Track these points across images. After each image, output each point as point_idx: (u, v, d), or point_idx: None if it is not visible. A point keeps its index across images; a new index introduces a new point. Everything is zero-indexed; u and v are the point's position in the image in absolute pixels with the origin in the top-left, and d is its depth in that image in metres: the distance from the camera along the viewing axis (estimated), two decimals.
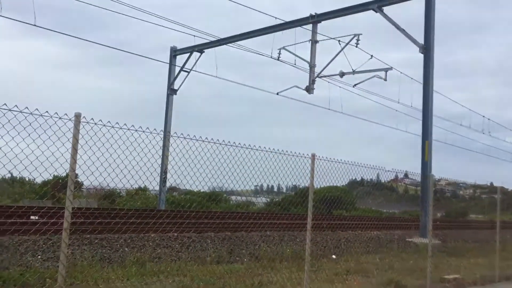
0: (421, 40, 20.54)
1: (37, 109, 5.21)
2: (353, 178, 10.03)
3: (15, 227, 11.35)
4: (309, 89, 22.88)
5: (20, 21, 20.04)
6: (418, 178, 21.42)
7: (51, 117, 5.30)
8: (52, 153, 5.26)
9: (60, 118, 5.36)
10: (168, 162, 7.12)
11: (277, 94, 25.61)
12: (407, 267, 12.36)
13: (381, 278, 10.74)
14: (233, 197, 33.30)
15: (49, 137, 5.26)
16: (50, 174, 5.48)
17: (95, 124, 5.68)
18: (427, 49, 20.31)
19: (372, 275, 11.17)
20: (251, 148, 7.64)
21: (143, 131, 6.22)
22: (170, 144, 7.12)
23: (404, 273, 11.37)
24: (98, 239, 11.92)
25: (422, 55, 20.52)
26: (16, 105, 5.06)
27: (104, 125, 5.76)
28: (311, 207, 7.84)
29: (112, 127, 5.84)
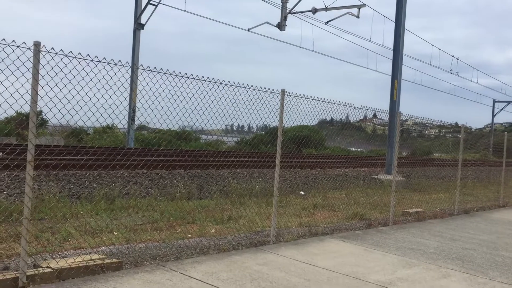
0: None
1: None
2: (323, 117, 10.06)
3: None
4: (280, 26, 22.48)
5: None
6: (386, 117, 21.75)
7: (8, 45, 5.02)
8: (12, 83, 5.03)
9: (18, 46, 5.08)
10: (137, 100, 6.91)
11: (248, 30, 25.10)
12: (371, 202, 12.78)
13: (346, 212, 11.10)
14: (204, 136, 33.25)
15: (7, 66, 5.01)
16: (11, 106, 5.25)
17: (56, 54, 5.42)
18: None
19: (338, 210, 11.52)
20: (220, 83, 7.50)
21: (108, 63, 5.96)
22: (137, 79, 6.92)
23: (369, 208, 11.76)
24: (65, 175, 11.81)
25: None
26: None
27: (66, 55, 5.50)
28: (280, 143, 7.88)
29: (75, 57, 5.58)
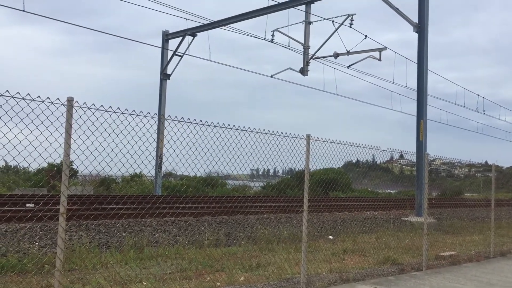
0: (415, 19, 20.43)
1: (28, 94, 5.15)
2: (349, 159, 10.03)
3: (11, 214, 11.34)
4: (303, 71, 22.76)
5: (8, 7, 19.71)
6: (413, 158, 21.49)
7: (43, 102, 5.24)
8: (46, 138, 5.21)
9: (52, 103, 5.30)
10: (163, 147, 7.07)
11: (271, 76, 25.52)
12: (403, 245, 12.47)
13: (377, 257, 10.84)
14: (230, 182, 33.37)
15: (42, 122, 5.21)
16: (45, 160, 5.43)
17: (88, 108, 5.63)
18: (421, 27, 20.22)
19: (369, 254, 11.26)
20: (246, 130, 7.60)
21: (137, 115, 6.15)
22: (164, 128, 7.07)
23: (401, 252, 11.47)
24: (95, 224, 11.94)
25: (416, 35, 20.45)
26: (7, 91, 4.99)
27: (97, 109, 5.70)
28: (307, 188, 7.85)
29: (106, 111, 5.79)
